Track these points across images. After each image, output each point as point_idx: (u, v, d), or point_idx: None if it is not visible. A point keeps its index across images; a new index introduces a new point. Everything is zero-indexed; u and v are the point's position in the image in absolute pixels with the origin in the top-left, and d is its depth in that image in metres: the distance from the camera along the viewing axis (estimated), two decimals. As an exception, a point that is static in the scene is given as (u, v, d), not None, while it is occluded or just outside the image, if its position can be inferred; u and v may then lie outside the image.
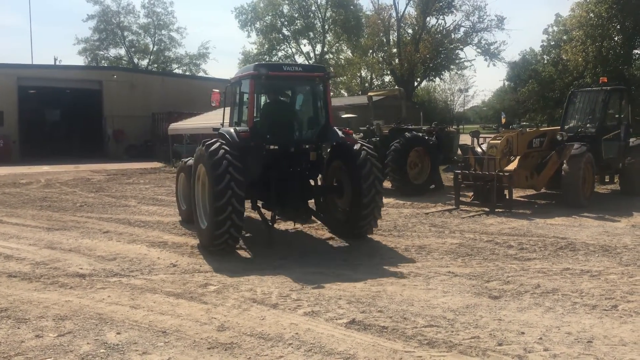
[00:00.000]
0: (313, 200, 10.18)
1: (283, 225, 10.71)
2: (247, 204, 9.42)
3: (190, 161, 10.31)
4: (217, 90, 11.11)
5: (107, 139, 36.19)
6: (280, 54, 53.82)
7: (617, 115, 15.12)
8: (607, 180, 15.64)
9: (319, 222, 10.37)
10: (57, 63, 50.18)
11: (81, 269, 7.75)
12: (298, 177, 9.29)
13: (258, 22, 51.96)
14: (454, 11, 45.46)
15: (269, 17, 51.63)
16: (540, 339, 5.17)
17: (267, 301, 6.27)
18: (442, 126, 19.02)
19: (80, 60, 59.20)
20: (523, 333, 5.31)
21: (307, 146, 9.36)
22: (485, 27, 45.16)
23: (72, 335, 5.29)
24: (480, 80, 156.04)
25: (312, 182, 9.94)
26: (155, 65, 60.35)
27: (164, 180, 20.78)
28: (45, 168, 25.30)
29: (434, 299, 6.39)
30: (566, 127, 15.02)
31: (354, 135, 10.16)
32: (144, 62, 61.03)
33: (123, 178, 21.44)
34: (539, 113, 34.88)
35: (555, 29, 35.87)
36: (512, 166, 13.24)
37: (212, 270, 7.67)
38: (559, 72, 30.92)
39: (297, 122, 9.91)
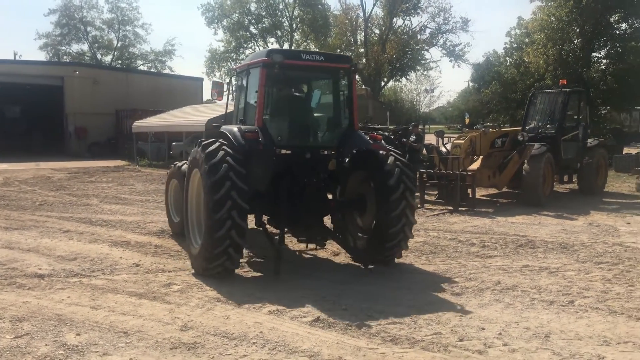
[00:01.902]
0: (329, 218, 8.61)
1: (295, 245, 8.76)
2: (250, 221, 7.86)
3: (184, 165, 8.87)
4: (220, 81, 9.50)
5: (69, 136, 35.38)
6: (247, 51, 53.49)
7: (575, 117, 15.57)
8: (566, 179, 16.09)
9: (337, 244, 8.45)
10: (17, 58, 48.85)
11: (40, 269, 7.56)
12: (313, 189, 7.79)
13: (225, 20, 51.50)
14: (420, 12, 46.03)
15: (236, 15, 51.15)
16: (500, 334, 5.29)
17: (232, 300, 6.24)
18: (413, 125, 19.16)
19: (41, 56, 57.58)
20: (483, 329, 5.43)
21: (325, 152, 7.97)
22: (450, 29, 45.89)
23: (30, 337, 5.16)
24: (446, 81, 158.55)
25: (329, 196, 8.38)
26: (120, 62, 59.15)
27: (127, 178, 20.44)
28: (3, 166, 24.53)
29: (398, 297, 6.48)
30: (527, 127, 15.39)
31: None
32: (108, 58, 59.75)
33: (85, 176, 20.98)
34: (502, 114, 35.51)
35: (518, 31, 36.58)
36: (475, 166, 13.50)
37: (176, 270, 7.59)
38: (521, 74, 31.56)
39: (315, 122, 8.37)
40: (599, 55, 29.58)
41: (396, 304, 6.16)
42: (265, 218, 8.20)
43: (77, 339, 5.12)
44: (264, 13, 51.60)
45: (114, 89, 36.27)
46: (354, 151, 7.86)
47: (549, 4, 28.25)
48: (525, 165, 13.44)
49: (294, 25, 52.48)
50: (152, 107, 32.46)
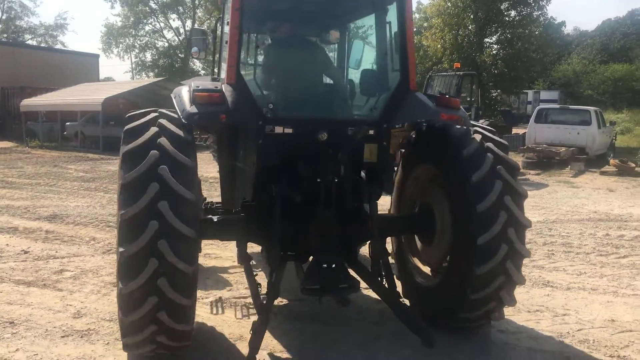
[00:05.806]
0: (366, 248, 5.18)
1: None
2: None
3: None
4: (202, 28, 6.24)
5: (-54, 116, 32.30)
6: (147, 27, 51.32)
7: (468, 99, 16.45)
8: (461, 158, 16.96)
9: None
10: None
11: None
12: (335, 197, 4.36)
13: (122, -7, 49.01)
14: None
15: (135, -12, 48.87)
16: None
17: (130, 284, 6.03)
18: None
19: None
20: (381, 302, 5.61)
21: (356, 130, 4.44)
22: (354, 11, 46.64)
23: None
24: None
25: (366, 208, 4.61)
26: (5, 36, 54.63)
27: (15, 161, 19.05)
28: None
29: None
30: (425, 108, 16.06)
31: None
32: (-9, 31, 55.04)
33: (-34, 159, 19.31)
34: (404, 96, 36.74)
35: (417, 16, 37.87)
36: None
37: (69, 256, 7.20)
38: (421, 57, 32.71)
39: (337, 79, 5.33)
40: (491, 41, 31.34)
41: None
42: (251, 249, 5.03)
43: (-45, 332, 4.75)
44: (164, -12, 49.62)
45: (-2, 65, 33.49)
46: (413, 128, 4.84)
47: (446, -10, 29.49)
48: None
49: (197, 2, 50.92)
50: (43, 85, 30.34)
